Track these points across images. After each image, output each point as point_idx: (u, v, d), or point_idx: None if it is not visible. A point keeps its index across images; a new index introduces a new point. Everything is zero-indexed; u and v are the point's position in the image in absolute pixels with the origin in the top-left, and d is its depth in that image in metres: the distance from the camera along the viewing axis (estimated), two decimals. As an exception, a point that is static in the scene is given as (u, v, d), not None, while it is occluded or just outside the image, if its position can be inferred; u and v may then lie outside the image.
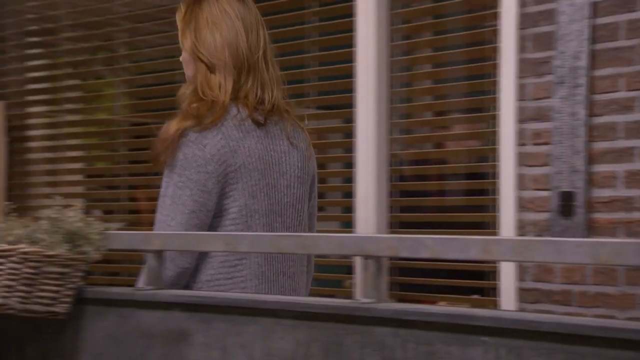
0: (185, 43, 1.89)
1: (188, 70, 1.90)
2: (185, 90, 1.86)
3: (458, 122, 2.88)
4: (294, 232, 1.87)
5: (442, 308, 1.32)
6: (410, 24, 2.85)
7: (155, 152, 1.82)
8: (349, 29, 2.80)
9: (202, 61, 1.84)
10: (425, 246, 1.32)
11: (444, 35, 2.76)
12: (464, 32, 2.75)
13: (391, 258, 2.61)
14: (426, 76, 2.89)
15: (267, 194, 1.83)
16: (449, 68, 2.76)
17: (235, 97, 1.83)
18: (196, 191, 1.78)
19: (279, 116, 1.88)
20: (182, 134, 1.79)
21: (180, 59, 1.92)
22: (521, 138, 2.47)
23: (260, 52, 1.87)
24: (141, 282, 1.78)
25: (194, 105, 1.82)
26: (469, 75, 2.72)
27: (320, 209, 3.30)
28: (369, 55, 2.74)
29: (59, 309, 1.64)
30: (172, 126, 1.80)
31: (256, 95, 1.84)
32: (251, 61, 1.85)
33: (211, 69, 1.84)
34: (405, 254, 1.36)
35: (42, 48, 3.82)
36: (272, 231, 1.85)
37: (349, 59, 2.80)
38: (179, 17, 1.92)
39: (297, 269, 1.90)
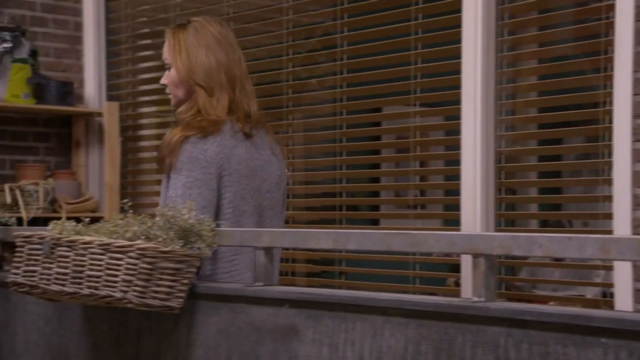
0: (181, 69, 2.08)
1: (177, 91, 2.11)
2: (188, 110, 2.05)
3: (568, 117, 2.80)
4: None
5: (558, 308, 1.29)
6: (517, 19, 2.79)
7: (161, 156, 2.03)
8: (454, 24, 2.76)
9: (201, 86, 2.05)
10: (539, 245, 1.29)
11: (552, 30, 2.69)
12: (574, 26, 2.67)
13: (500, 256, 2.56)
14: (534, 71, 2.81)
15: (253, 196, 2.03)
16: (559, 63, 2.69)
17: (230, 111, 2.04)
18: (204, 189, 1.97)
19: (262, 127, 2.10)
20: (184, 140, 1.98)
21: (165, 81, 2.13)
22: (637, 134, 2.38)
23: (244, 69, 2.08)
24: None
25: (198, 119, 2.02)
26: (580, 70, 2.64)
27: (422, 207, 3.27)
28: (476, 51, 2.70)
29: (174, 303, 1.69)
30: (176, 133, 2.01)
31: (244, 109, 2.06)
32: (240, 78, 2.06)
33: (210, 91, 2.04)
34: (517, 252, 1.33)
35: (153, 50, 3.94)
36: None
37: (454, 55, 2.77)
38: (167, 45, 2.12)
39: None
